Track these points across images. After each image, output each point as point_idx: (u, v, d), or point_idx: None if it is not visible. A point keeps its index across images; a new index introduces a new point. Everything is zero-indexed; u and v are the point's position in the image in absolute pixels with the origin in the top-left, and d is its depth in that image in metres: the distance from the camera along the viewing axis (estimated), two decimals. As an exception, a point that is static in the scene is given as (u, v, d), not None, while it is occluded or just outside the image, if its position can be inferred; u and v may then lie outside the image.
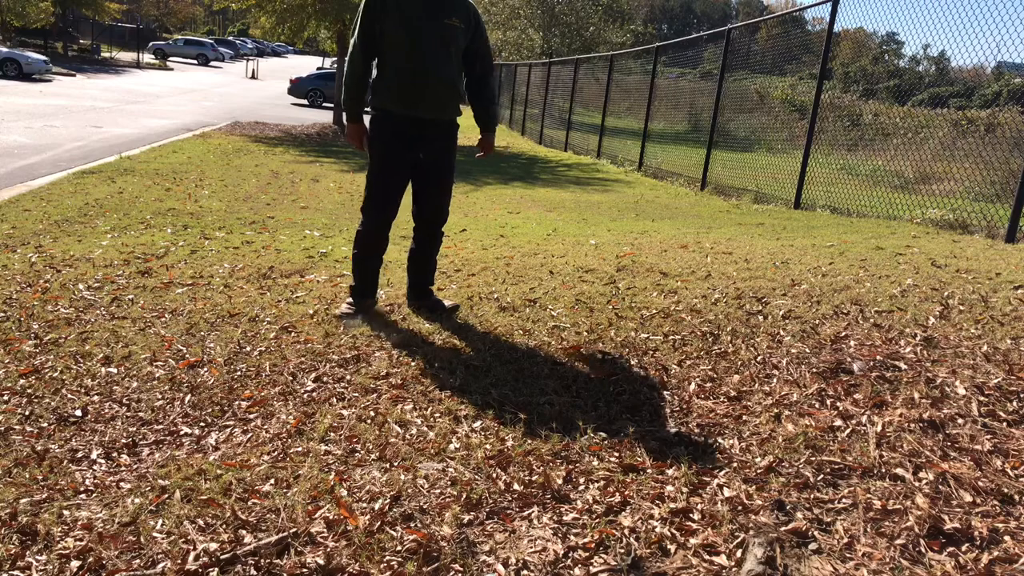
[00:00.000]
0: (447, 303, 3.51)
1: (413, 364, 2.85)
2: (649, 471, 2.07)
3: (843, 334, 2.95)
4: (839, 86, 10.16)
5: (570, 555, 1.73)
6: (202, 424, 2.42)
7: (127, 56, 38.94)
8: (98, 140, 11.84)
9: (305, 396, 2.61)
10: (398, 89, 3.12)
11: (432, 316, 3.37)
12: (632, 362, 2.84)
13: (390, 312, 3.46)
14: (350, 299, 3.44)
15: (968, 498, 1.85)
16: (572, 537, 1.79)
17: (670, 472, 2.06)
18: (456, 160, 3.36)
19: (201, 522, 1.83)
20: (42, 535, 1.77)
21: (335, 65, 22.21)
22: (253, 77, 37.24)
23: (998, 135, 7.16)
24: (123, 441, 2.29)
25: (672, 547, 1.74)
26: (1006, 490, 1.88)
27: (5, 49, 25.18)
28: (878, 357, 2.68)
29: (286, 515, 1.86)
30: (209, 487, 1.98)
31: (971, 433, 2.14)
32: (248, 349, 3.03)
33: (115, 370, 2.79)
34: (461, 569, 1.68)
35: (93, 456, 2.19)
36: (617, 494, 1.96)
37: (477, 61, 3.30)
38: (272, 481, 2.02)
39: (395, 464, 2.13)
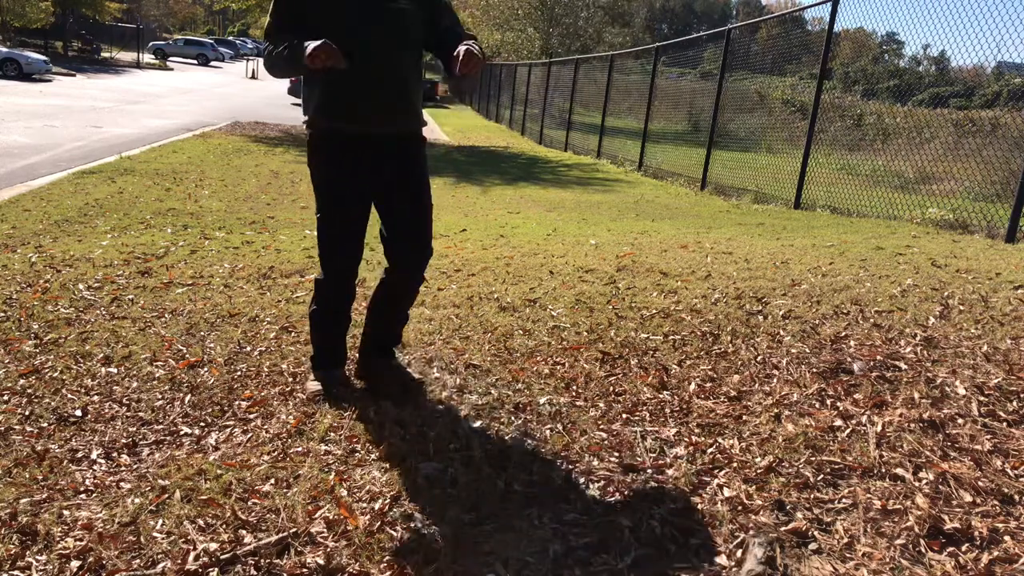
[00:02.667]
0: (413, 372, 2.74)
1: (413, 364, 2.85)
2: (649, 471, 2.07)
3: (843, 334, 2.95)
4: (839, 86, 10.16)
5: (570, 555, 1.73)
6: (202, 424, 2.42)
7: (127, 56, 38.95)
8: (98, 140, 11.84)
9: (305, 396, 2.60)
10: (334, 99, 2.40)
11: (383, 388, 2.61)
12: (632, 362, 2.84)
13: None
14: (316, 374, 2.70)
15: (968, 498, 1.85)
16: (572, 537, 1.79)
17: (670, 472, 2.06)
18: (428, 176, 2.60)
19: (201, 522, 1.83)
20: (42, 535, 1.77)
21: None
22: (253, 77, 37.25)
23: (998, 135, 7.17)
24: (123, 441, 2.29)
25: (672, 547, 1.74)
26: (1006, 490, 1.88)
27: (5, 49, 25.17)
28: (878, 357, 2.68)
29: (286, 515, 1.86)
30: (209, 487, 1.98)
31: (971, 433, 2.14)
32: (248, 349, 3.03)
33: (115, 370, 2.79)
34: (461, 569, 1.68)
35: (93, 456, 2.19)
36: (617, 494, 1.96)
37: (449, 37, 2.45)
38: (272, 481, 2.02)
39: (395, 464, 2.13)
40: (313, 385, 2.65)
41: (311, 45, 2.18)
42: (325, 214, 2.51)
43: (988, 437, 2.12)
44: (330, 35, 2.26)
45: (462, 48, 2.26)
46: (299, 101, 2.92)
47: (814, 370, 2.63)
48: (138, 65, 36.24)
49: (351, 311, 2.69)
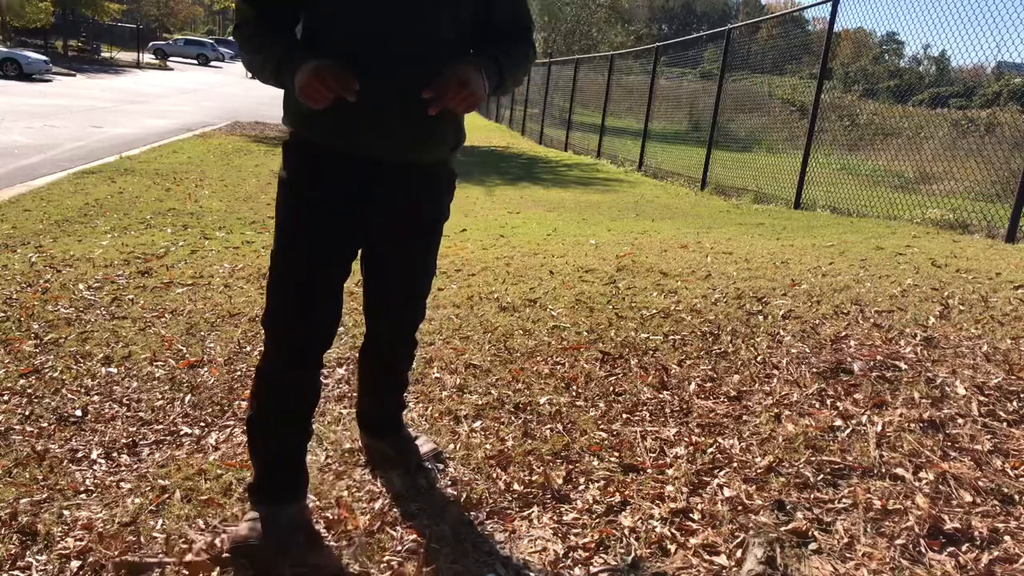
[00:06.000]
0: (422, 444, 2.15)
1: (413, 364, 2.85)
2: (649, 471, 2.07)
3: (843, 334, 2.95)
4: (839, 86, 10.16)
5: (570, 555, 1.73)
6: (202, 424, 2.42)
7: (127, 56, 38.94)
8: (98, 140, 11.83)
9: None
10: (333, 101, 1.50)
11: (394, 464, 2.08)
12: (632, 362, 2.84)
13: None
14: (252, 513, 1.77)
15: (968, 498, 1.85)
16: (572, 537, 1.79)
17: (670, 472, 2.06)
18: (443, 225, 1.87)
19: (201, 522, 1.83)
20: (42, 535, 1.77)
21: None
22: (253, 77, 37.21)
23: (998, 135, 7.17)
24: (123, 441, 2.29)
25: (672, 547, 1.74)
26: (1006, 490, 1.88)
27: (5, 49, 25.17)
28: (878, 357, 2.68)
29: (286, 515, 1.85)
30: (209, 487, 1.98)
31: (971, 433, 2.14)
32: (248, 349, 3.02)
33: (115, 370, 2.79)
34: (461, 569, 1.69)
35: (93, 456, 2.19)
36: (617, 494, 1.96)
37: (509, 27, 1.74)
38: (272, 481, 2.02)
39: (395, 464, 2.12)
40: (242, 528, 1.73)
41: (303, 70, 1.46)
42: (286, 262, 1.69)
43: (988, 437, 2.12)
44: (332, 15, 1.59)
45: (459, 73, 1.51)
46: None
47: (814, 370, 2.63)
48: (138, 65, 36.23)
49: (312, 419, 1.82)
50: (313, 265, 1.68)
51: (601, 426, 2.34)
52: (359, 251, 1.78)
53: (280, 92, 1.68)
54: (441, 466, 2.12)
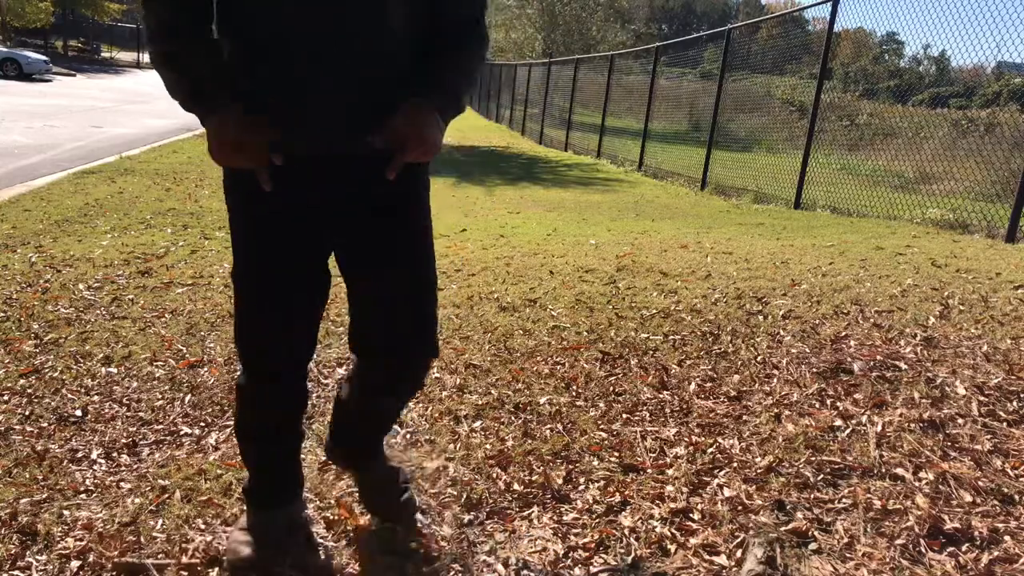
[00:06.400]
0: (408, 486, 1.86)
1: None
2: (649, 471, 2.07)
3: (843, 334, 2.95)
4: (839, 86, 10.17)
5: (570, 555, 1.73)
6: (202, 424, 2.42)
7: (127, 56, 38.96)
8: (98, 140, 11.83)
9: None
10: (262, 92, 1.44)
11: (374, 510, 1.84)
12: (632, 362, 2.84)
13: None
14: (243, 522, 1.72)
15: (968, 498, 1.85)
16: (572, 537, 1.79)
17: (670, 472, 2.06)
18: (430, 226, 1.65)
19: (201, 522, 1.83)
20: (42, 535, 1.77)
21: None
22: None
23: (998, 135, 7.17)
24: (123, 441, 2.29)
25: (672, 547, 1.74)
26: (1006, 490, 1.88)
27: (5, 49, 25.20)
28: (878, 357, 2.68)
29: (286, 515, 1.85)
30: (209, 487, 1.98)
31: (971, 433, 2.14)
32: (248, 349, 3.02)
33: (115, 370, 2.79)
34: (461, 569, 1.69)
35: (93, 456, 2.19)
36: (617, 494, 1.96)
37: (458, 17, 1.53)
38: (272, 481, 2.02)
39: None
40: (239, 542, 1.65)
41: (217, 127, 1.36)
42: (246, 282, 1.61)
43: (988, 437, 2.12)
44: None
45: (413, 125, 1.37)
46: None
47: (814, 370, 2.63)
48: (138, 65, 36.26)
49: (300, 424, 1.75)
50: (271, 289, 1.57)
51: (601, 426, 2.34)
52: (326, 258, 1.63)
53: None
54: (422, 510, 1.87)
